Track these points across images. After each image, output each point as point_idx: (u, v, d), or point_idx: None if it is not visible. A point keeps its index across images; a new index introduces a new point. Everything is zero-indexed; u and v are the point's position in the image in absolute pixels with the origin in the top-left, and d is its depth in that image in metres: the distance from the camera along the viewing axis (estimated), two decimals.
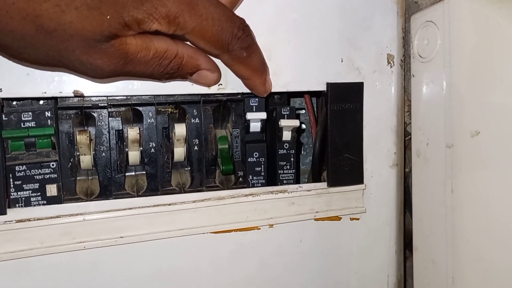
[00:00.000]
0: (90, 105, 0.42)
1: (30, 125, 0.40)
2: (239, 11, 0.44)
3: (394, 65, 0.50)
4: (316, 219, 0.49)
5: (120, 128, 0.43)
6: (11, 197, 0.40)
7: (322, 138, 0.49)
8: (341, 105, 0.48)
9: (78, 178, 0.43)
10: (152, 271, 0.44)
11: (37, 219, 0.40)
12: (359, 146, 0.49)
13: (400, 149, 0.52)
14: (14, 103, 0.41)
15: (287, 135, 0.48)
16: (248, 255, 0.47)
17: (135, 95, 0.43)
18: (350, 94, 0.48)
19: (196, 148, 0.45)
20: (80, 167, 0.42)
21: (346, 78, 0.48)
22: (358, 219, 0.51)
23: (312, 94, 0.51)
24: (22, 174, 0.40)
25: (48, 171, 0.41)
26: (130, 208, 0.43)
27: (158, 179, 0.44)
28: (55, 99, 0.41)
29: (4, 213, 0.39)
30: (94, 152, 0.42)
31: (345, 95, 0.48)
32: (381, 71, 0.50)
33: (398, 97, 0.51)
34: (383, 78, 0.50)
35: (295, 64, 0.46)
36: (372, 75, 0.49)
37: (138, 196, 0.44)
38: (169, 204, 0.44)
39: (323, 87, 0.48)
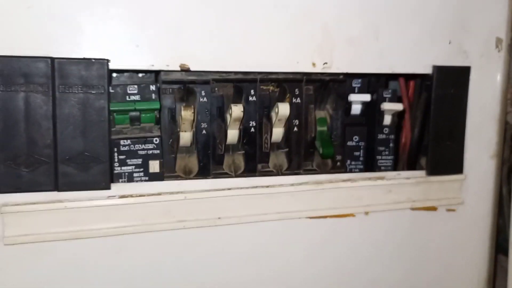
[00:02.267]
0: (194, 79, 0.40)
1: (135, 99, 0.39)
2: None
3: (502, 49, 0.47)
4: (412, 209, 0.46)
5: (221, 105, 0.41)
6: (115, 171, 0.39)
7: (421, 123, 0.47)
8: (446, 90, 0.45)
9: (177, 155, 0.41)
10: (247, 253, 0.43)
11: (139, 196, 0.39)
12: (461, 134, 0.47)
13: (500, 139, 0.49)
14: (114, 75, 0.40)
15: (387, 119, 0.45)
16: (341, 242, 0.45)
17: (239, 71, 0.41)
18: (456, 78, 0.46)
19: (295, 129, 0.43)
20: (180, 144, 0.41)
21: (452, 62, 0.45)
22: (454, 210, 0.48)
23: (409, 76, 0.49)
24: (126, 149, 0.39)
25: (151, 147, 0.39)
26: (229, 189, 0.41)
27: (256, 159, 0.43)
28: (157, 72, 0.40)
29: (109, 187, 0.38)
30: (194, 129, 0.41)
31: (451, 80, 0.45)
32: (489, 55, 0.46)
33: (503, 84, 0.48)
34: (490, 63, 0.47)
35: (402, 45, 0.44)
36: (480, 60, 0.46)
37: (236, 176, 0.42)
38: (267, 186, 0.42)
39: (429, 70, 0.45)
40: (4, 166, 0.35)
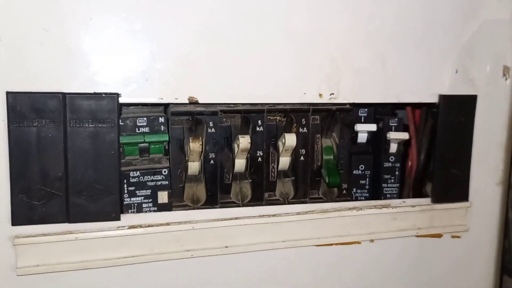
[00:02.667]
0: (202, 111, 0.41)
1: (144, 131, 0.39)
2: (359, 16, 0.41)
3: (509, 77, 0.47)
4: (417, 236, 0.47)
5: (229, 136, 0.42)
6: (125, 202, 0.39)
7: (427, 151, 0.47)
8: (452, 118, 0.46)
9: (185, 184, 0.42)
10: (255, 282, 0.43)
11: (148, 226, 0.40)
12: (467, 161, 0.47)
13: (506, 166, 0.49)
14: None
15: (393, 148, 0.45)
16: (348, 270, 0.46)
17: (246, 103, 0.41)
18: (462, 107, 0.46)
19: (302, 158, 0.44)
20: (188, 173, 0.41)
21: (459, 90, 0.46)
22: (459, 237, 0.48)
23: (416, 104, 0.49)
24: (136, 180, 0.39)
25: (160, 178, 0.40)
26: (236, 218, 0.42)
27: (263, 188, 0.43)
28: (166, 105, 0.40)
29: (118, 218, 0.39)
30: (202, 159, 0.42)
31: (457, 108, 0.46)
32: (496, 83, 0.47)
33: (510, 112, 0.48)
34: (496, 91, 0.47)
35: (409, 74, 0.44)
36: (486, 88, 0.46)
37: (243, 205, 0.43)
38: (274, 215, 0.43)
39: (434, 99, 0.45)
40: (17, 199, 0.36)
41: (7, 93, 0.35)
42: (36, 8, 0.35)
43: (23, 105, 0.35)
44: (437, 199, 0.46)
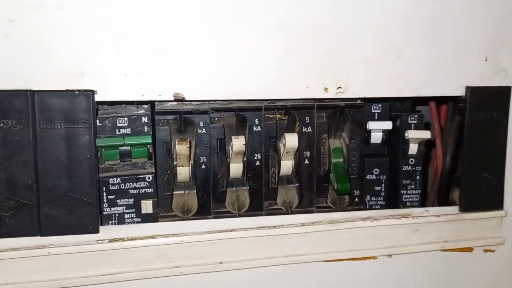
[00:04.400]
0: (191, 109, 0.36)
1: (125, 132, 0.35)
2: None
3: None
4: (444, 250, 0.41)
5: (223, 137, 0.37)
6: (104, 213, 0.35)
7: (454, 152, 0.41)
8: (482, 114, 0.39)
9: (174, 192, 0.37)
10: None
11: (131, 239, 0.35)
12: (501, 164, 0.40)
13: None
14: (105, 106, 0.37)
15: (413, 149, 0.40)
16: None
17: (240, 99, 0.36)
18: (494, 100, 0.40)
19: (306, 161, 0.39)
20: (177, 180, 0.37)
21: (489, 81, 0.39)
22: (493, 251, 0.42)
23: (440, 99, 0.43)
24: (116, 188, 0.35)
25: (143, 185, 0.36)
26: (231, 230, 0.37)
27: (262, 196, 0.38)
28: (151, 103, 0.36)
29: (97, 231, 0.34)
30: (192, 163, 0.37)
31: (488, 102, 0.39)
32: None
33: None
34: None
35: (429, 64, 0.38)
36: None
37: (240, 215, 0.38)
38: (275, 227, 0.38)
39: (461, 92, 0.39)
40: None
41: None
42: None
43: None
44: (466, 208, 0.40)
